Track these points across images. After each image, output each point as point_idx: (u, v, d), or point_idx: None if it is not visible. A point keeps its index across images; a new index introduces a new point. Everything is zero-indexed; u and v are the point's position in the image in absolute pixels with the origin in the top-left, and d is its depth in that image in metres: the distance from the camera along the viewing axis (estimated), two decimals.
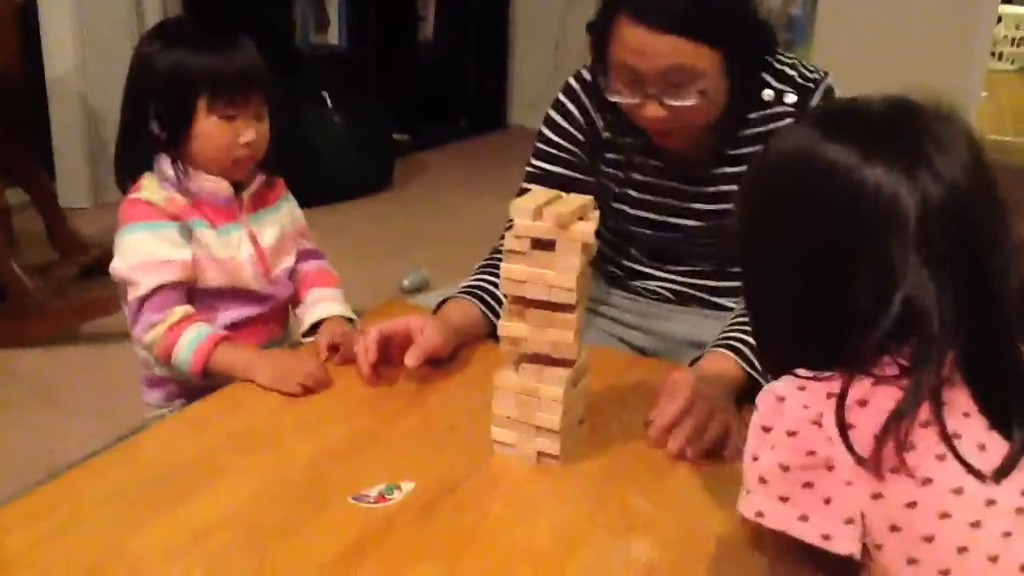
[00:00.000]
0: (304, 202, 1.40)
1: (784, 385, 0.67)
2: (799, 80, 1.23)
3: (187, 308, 1.20)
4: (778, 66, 1.24)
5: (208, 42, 1.22)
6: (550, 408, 0.97)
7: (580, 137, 1.31)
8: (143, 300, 1.19)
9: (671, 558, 0.84)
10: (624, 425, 1.07)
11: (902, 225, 0.64)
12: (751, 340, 1.12)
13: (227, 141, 1.21)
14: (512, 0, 4.86)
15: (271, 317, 1.32)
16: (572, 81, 1.32)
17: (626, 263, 1.40)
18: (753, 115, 1.23)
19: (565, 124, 1.32)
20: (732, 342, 1.13)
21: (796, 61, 1.25)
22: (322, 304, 1.32)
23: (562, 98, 1.33)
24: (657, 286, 1.38)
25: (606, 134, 1.32)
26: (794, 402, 0.65)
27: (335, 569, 0.81)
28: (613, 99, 1.18)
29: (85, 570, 0.81)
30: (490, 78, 4.84)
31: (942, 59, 4.15)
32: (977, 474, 0.63)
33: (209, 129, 1.20)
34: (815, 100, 1.22)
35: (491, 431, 1.01)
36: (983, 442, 0.65)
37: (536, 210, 0.91)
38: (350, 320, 1.30)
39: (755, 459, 0.66)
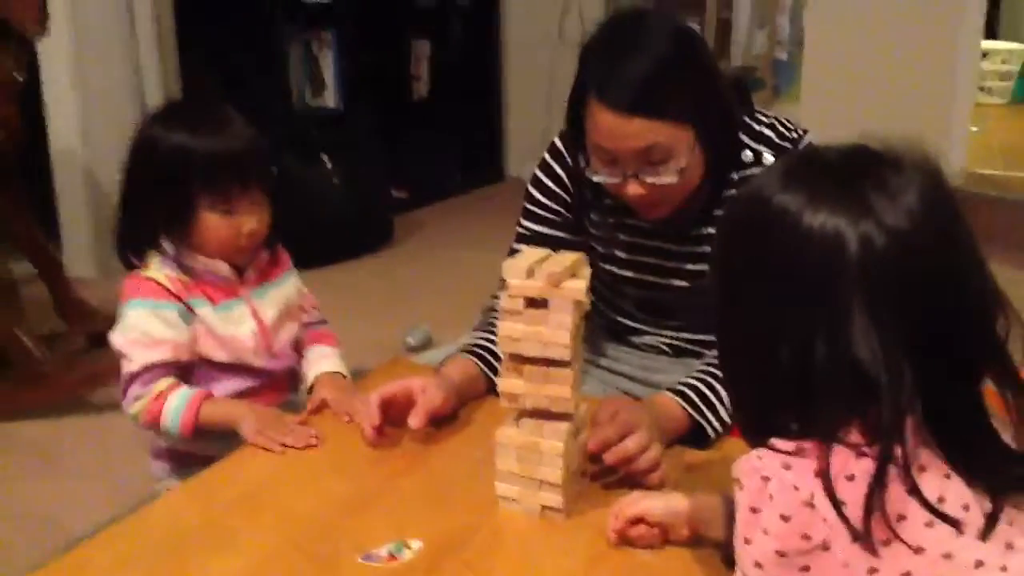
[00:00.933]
0: (305, 262, 1.44)
1: (768, 464, 0.66)
2: (776, 140, 1.24)
3: (170, 380, 1.23)
4: (756, 127, 1.25)
5: (206, 127, 1.23)
6: (552, 462, 0.99)
7: (567, 198, 1.33)
8: (133, 376, 1.23)
9: None
10: (627, 478, 1.08)
11: (844, 273, 0.64)
12: (701, 387, 1.17)
13: (229, 234, 1.23)
14: (503, 55, 4.95)
15: (273, 386, 1.35)
16: (558, 141, 1.35)
17: (619, 319, 1.42)
18: (734, 175, 1.24)
19: (552, 184, 1.34)
20: (681, 387, 1.18)
21: (775, 121, 1.26)
22: (318, 362, 1.36)
23: (548, 158, 1.35)
24: (652, 341, 1.41)
25: (590, 195, 1.33)
26: (783, 484, 0.64)
27: None
28: (595, 179, 1.20)
29: None
30: (485, 132, 4.91)
31: (929, 97, 4.21)
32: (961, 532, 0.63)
33: (211, 224, 1.23)
34: None
35: (495, 486, 1.02)
36: (967, 502, 0.65)
37: (528, 269, 0.94)
38: (344, 376, 1.34)
39: (747, 542, 0.65)
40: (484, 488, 1.03)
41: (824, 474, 0.63)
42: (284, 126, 3.80)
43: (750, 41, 3.98)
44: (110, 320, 2.64)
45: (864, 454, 0.63)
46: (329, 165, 3.54)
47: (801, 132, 1.26)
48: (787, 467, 0.65)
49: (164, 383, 1.23)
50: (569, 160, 1.33)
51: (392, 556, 0.93)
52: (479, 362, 1.27)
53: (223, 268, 1.27)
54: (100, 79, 3.36)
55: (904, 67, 4.19)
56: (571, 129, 1.22)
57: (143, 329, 1.23)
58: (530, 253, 0.99)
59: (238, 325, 1.28)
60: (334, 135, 3.80)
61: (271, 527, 1.00)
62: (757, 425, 0.70)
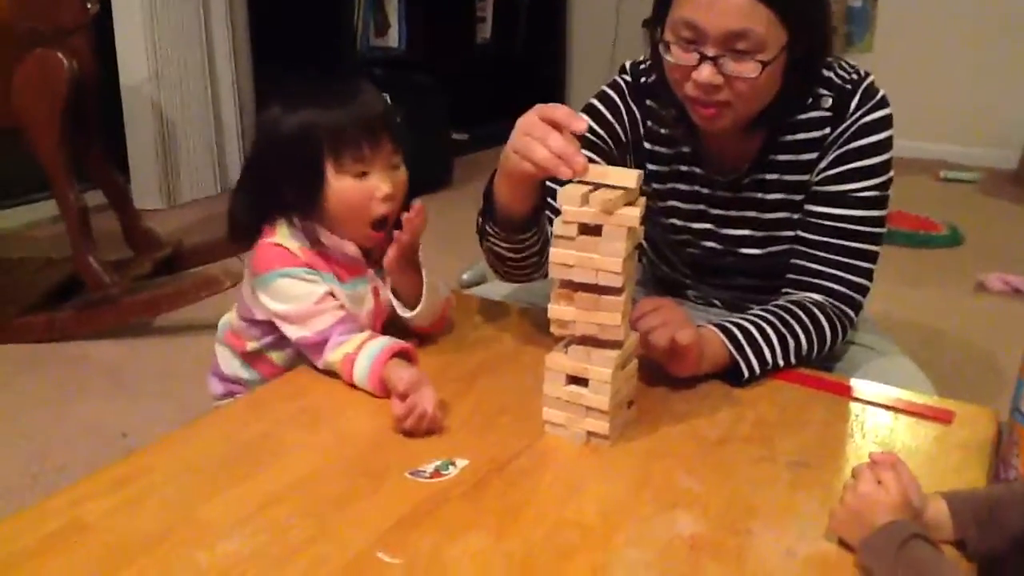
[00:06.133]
0: None
1: None
2: (836, 81, 1.20)
3: (352, 342, 1.14)
4: (823, 71, 1.21)
5: (330, 97, 1.17)
6: (599, 389, 1.00)
7: (620, 133, 1.31)
8: (316, 343, 1.16)
9: (716, 532, 0.86)
10: (673, 410, 1.10)
11: None
12: (747, 326, 1.15)
13: (362, 199, 1.16)
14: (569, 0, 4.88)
15: None
16: (619, 79, 1.33)
17: (672, 274, 1.42)
18: (792, 119, 1.22)
19: (608, 114, 1.31)
20: (726, 323, 1.16)
21: (833, 62, 1.22)
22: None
23: (609, 92, 1.33)
24: (705, 295, 1.41)
25: (647, 144, 1.32)
26: None
27: (391, 537, 0.85)
28: (667, 57, 1.12)
29: (158, 536, 0.86)
30: (548, 77, 4.87)
31: (1008, 47, 4.04)
32: None
33: (342, 189, 1.16)
34: (854, 103, 1.20)
35: (542, 412, 1.04)
36: None
37: (583, 196, 0.94)
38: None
39: None
40: (532, 413, 1.05)
41: None
42: (347, 65, 3.82)
43: None
44: (175, 249, 2.72)
45: None
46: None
47: (862, 74, 1.22)
48: None
49: (348, 347, 1.14)
50: (631, 101, 1.31)
51: (438, 472, 0.96)
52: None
53: (351, 248, 1.20)
54: (169, 16, 3.41)
55: (985, 19, 4.02)
56: (658, 3, 1.15)
57: (302, 297, 1.17)
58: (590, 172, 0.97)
59: (360, 305, 1.23)
60: (397, 75, 3.81)
61: (324, 443, 1.03)
62: None
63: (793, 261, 1.25)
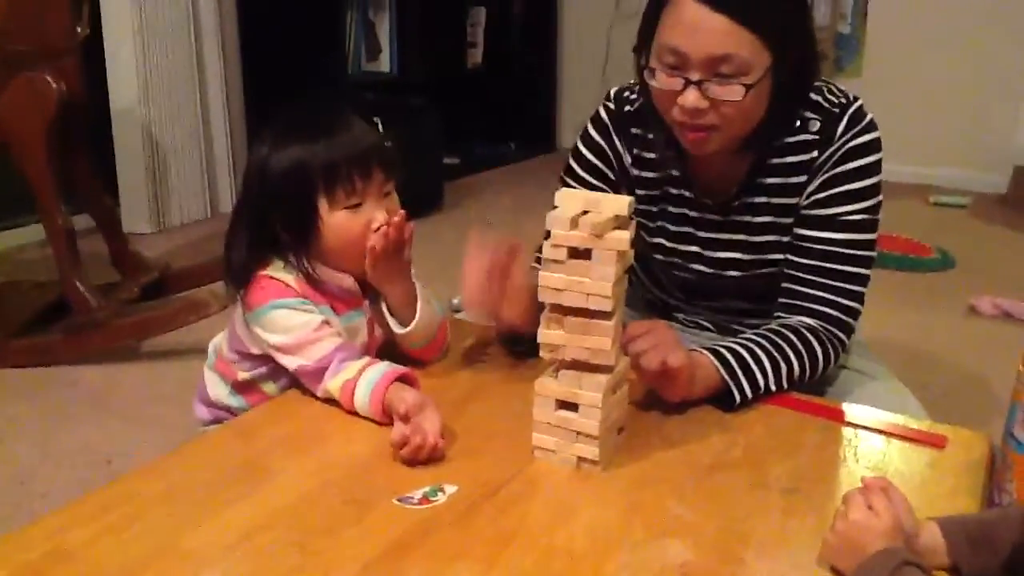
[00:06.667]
0: None
1: None
2: (824, 105, 1.21)
3: (350, 371, 1.12)
4: (812, 95, 1.21)
5: (318, 133, 1.16)
6: (589, 414, 0.99)
7: (607, 172, 1.32)
8: (315, 371, 1.15)
9: (708, 561, 0.85)
10: (664, 435, 1.09)
11: None
12: (740, 350, 1.14)
13: (358, 231, 1.16)
14: (560, 25, 4.91)
15: None
16: (601, 111, 1.33)
17: (662, 296, 1.42)
18: (780, 142, 1.21)
19: (594, 159, 1.33)
20: (719, 347, 1.15)
21: (822, 86, 1.22)
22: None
23: (592, 132, 1.33)
24: (695, 319, 1.40)
25: (635, 171, 1.32)
26: None
27: (378, 567, 0.84)
28: (653, 83, 1.14)
29: (141, 564, 0.84)
30: (539, 102, 4.89)
31: (998, 76, 4.08)
32: None
33: (337, 224, 1.15)
34: (841, 127, 1.20)
35: (532, 437, 1.03)
36: None
37: (572, 220, 0.93)
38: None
39: None
40: (522, 439, 1.04)
41: None
42: (339, 89, 3.82)
43: (814, 12, 3.88)
44: (163, 272, 2.69)
45: None
46: (382, 130, 3.56)
47: (850, 98, 1.22)
48: None
49: (348, 373, 1.12)
50: (614, 132, 1.31)
51: (426, 499, 0.94)
52: None
53: (347, 281, 1.20)
54: (160, 40, 3.41)
55: (973, 44, 4.06)
56: (644, 28, 1.16)
57: (299, 327, 1.15)
58: (575, 201, 0.97)
59: (355, 337, 1.22)
60: (388, 100, 3.82)
61: (310, 468, 1.02)
62: None
63: (784, 285, 1.24)
